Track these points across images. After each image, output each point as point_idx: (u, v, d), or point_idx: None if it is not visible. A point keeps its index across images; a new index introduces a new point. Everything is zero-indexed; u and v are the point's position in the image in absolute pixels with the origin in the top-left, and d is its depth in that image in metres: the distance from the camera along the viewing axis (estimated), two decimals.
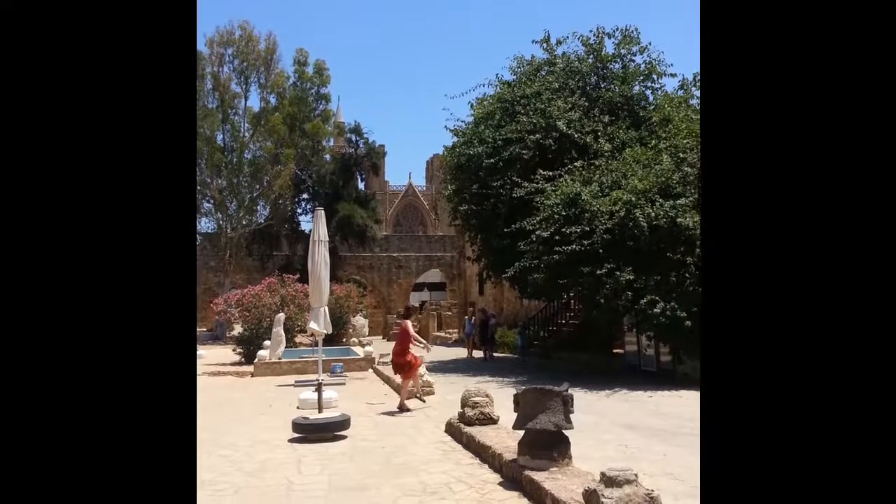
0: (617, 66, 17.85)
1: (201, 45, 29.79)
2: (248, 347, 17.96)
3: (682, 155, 13.10)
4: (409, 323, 10.20)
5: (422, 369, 11.21)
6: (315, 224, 8.67)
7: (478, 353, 20.11)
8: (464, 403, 7.26)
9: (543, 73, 17.93)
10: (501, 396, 7.99)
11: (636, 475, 3.91)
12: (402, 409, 9.50)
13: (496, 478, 5.53)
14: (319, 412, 7.95)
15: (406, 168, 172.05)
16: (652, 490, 3.88)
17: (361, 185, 39.17)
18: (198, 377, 13.97)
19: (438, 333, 27.74)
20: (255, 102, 32.59)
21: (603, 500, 3.79)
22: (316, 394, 8.30)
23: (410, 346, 9.97)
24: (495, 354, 19.85)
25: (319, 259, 8.38)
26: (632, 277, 11.95)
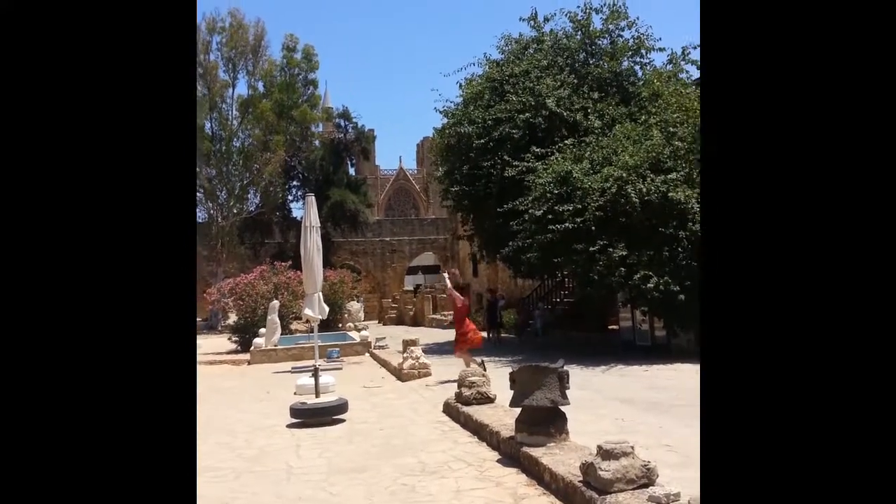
0: (605, 41, 17.72)
1: None
2: (244, 335, 17.97)
3: (672, 129, 13.07)
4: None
5: (417, 351, 11.27)
6: (306, 210, 8.63)
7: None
8: (461, 383, 7.30)
9: (531, 51, 17.78)
10: (498, 376, 8.03)
11: (632, 447, 3.94)
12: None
13: (494, 455, 5.57)
14: (317, 397, 7.98)
15: (396, 152, 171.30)
16: (648, 462, 3.91)
17: (352, 171, 39.03)
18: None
19: (434, 316, 27.79)
20: (242, 90, 32.36)
21: (600, 472, 3.82)
22: (313, 379, 8.32)
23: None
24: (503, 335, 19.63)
25: (312, 245, 8.36)
26: (625, 253, 11.98)
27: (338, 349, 15.42)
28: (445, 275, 11.18)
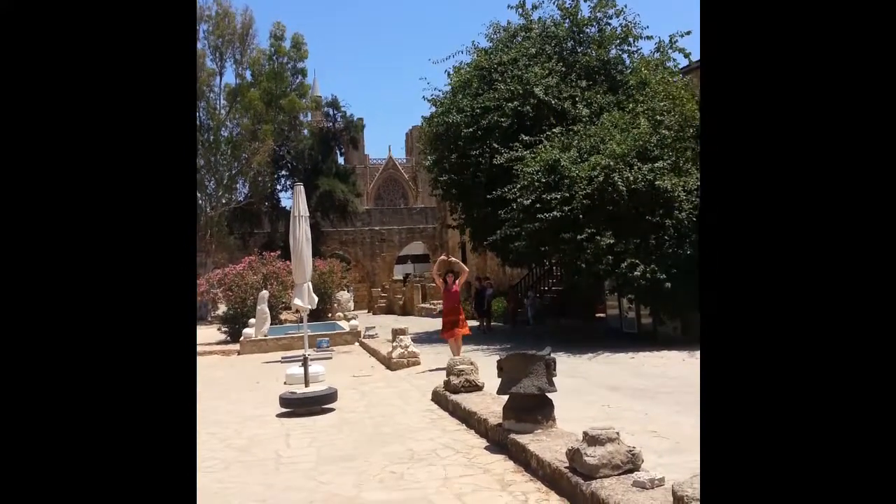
0: (593, 29, 17.69)
1: None
2: (234, 326, 17.95)
3: (659, 118, 13.11)
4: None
5: (407, 340, 11.31)
6: (295, 200, 8.61)
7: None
8: (449, 372, 7.35)
9: (520, 39, 17.73)
10: (486, 364, 8.08)
11: (618, 433, 4.00)
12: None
13: (482, 442, 5.63)
14: (306, 386, 8.00)
15: (385, 141, 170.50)
16: (634, 447, 3.97)
17: (341, 160, 38.89)
18: None
19: (423, 305, 27.83)
20: (230, 78, 32.08)
21: (586, 458, 3.88)
22: (302, 369, 8.34)
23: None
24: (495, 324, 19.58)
25: (301, 235, 8.35)
26: (612, 241, 12.04)
27: (327, 339, 15.44)
28: (445, 258, 11.49)
